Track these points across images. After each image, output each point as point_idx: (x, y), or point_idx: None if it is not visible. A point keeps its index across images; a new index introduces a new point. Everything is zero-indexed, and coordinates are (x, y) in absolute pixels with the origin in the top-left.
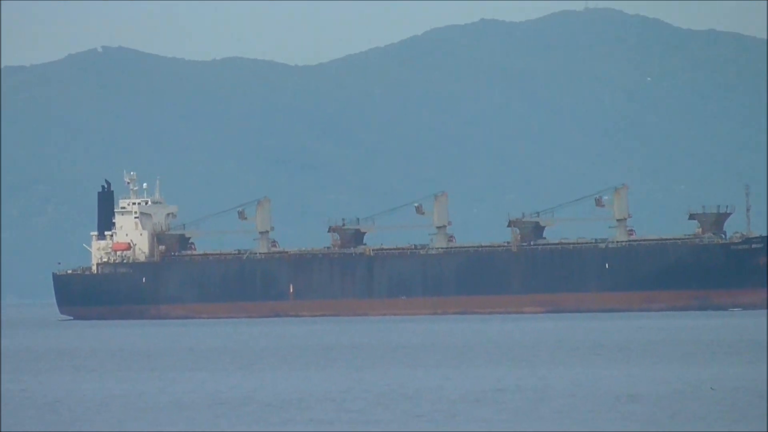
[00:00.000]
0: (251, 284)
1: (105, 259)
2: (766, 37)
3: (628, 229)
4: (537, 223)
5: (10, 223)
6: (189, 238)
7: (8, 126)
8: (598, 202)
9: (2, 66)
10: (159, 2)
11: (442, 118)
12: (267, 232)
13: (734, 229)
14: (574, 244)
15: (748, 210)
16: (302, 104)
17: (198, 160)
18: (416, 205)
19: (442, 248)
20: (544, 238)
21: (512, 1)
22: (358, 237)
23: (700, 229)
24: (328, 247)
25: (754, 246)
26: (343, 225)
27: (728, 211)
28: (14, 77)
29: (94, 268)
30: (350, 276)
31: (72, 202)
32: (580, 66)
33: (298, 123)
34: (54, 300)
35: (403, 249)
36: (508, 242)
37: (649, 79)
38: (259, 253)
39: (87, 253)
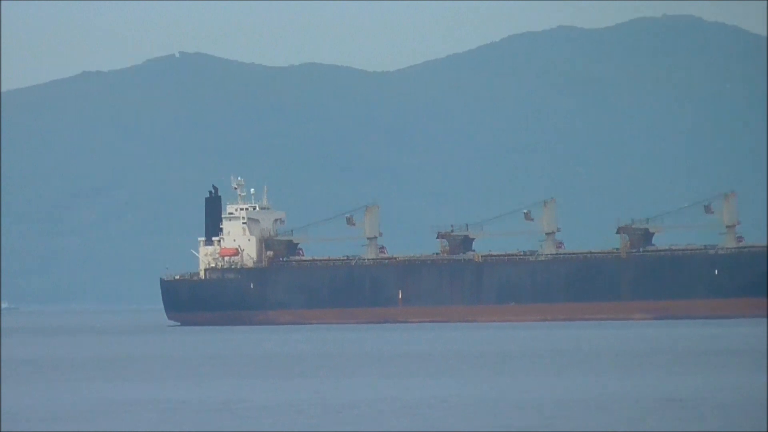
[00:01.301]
0: (360, 290)
1: (212, 265)
2: None
3: (737, 236)
4: (647, 229)
5: (88, 228)
6: (297, 243)
7: (86, 132)
8: (708, 209)
9: (79, 71)
10: (235, 6)
11: (519, 125)
12: (375, 238)
13: None
14: (682, 250)
15: None
16: (379, 111)
17: (277, 167)
18: (525, 211)
19: (551, 255)
20: (654, 245)
21: (590, 6)
22: (466, 243)
23: None
24: (436, 254)
25: None
26: (452, 231)
27: None
28: (92, 83)
29: (201, 273)
30: (459, 282)
31: (150, 208)
32: (658, 72)
33: (375, 130)
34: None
35: (511, 255)
36: (617, 249)
37: (728, 85)
38: (368, 259)
39: (190, 258)
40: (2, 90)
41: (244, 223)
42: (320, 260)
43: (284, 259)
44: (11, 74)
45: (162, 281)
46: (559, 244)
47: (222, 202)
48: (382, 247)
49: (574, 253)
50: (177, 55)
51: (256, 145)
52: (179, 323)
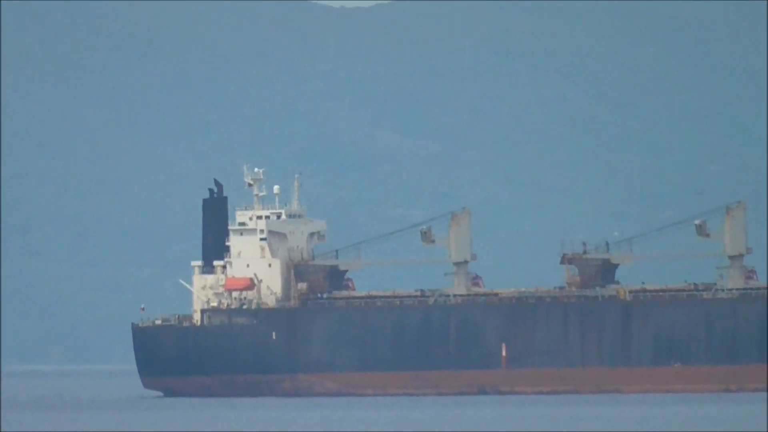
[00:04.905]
0: (442, 343)
1: (214, 303)
2: None
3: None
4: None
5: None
6: (344, 271)
7: None
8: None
9: None
10: None
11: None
12: (466, 262)
13: None
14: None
15: None
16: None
17: (306, 154)
18: (697, 222)
19: (737, 289)
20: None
21: None
22: (607, 271)
23: None
24: (560, 287)
25: None
26: (584, 253)
27: None
28: None
29: (196, 316)
30: (595, 332)
31: (104, 216)
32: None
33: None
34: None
35: (676, 290)
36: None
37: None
38: (455, 296)
39: (178, 293)
40: None
41: (263, 238)
42: (380, 297)
43: (325, 296)
44: None
45: (135, 328)
46: (750, 273)
47: (229, 207)
48: (477, 277)
49: None
50: None
51: (274, 121)
52: (161, 393)
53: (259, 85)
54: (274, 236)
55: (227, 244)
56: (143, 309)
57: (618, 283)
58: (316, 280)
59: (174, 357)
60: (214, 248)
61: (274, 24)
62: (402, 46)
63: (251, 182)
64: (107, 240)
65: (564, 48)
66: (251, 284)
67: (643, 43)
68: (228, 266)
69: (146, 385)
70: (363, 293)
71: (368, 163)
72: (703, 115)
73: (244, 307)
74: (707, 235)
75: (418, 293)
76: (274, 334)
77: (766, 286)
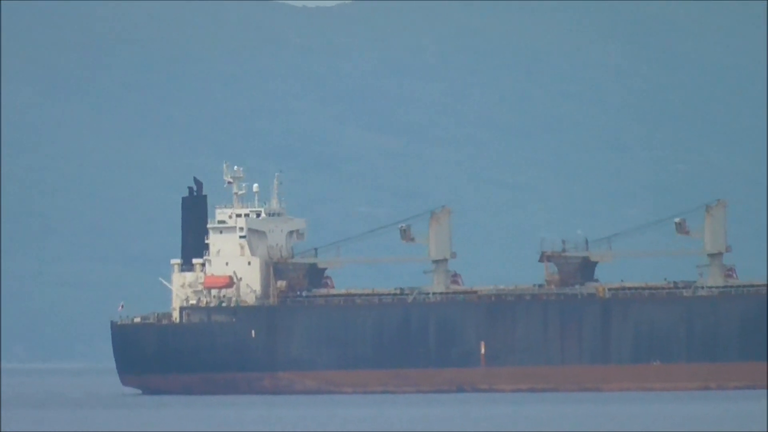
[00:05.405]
0: (421, 341)
1: (193, 301)
2: None
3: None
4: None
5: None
6: (324, 269)
7: None
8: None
9: None
10: None
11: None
12: (446, 260)
13: None
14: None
15: None
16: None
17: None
18: (677, 220)
19: (717, 287)
20: (596, 279)
21: None
22: (586, 268)
23: None
24: (539, 285)
25: None
26: (564, 251)
27: None
28: None
29: (175, 314)
30: (575, 329)
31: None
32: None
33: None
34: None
35: (656, 288)
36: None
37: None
38: (434, 294)
39: (158, 291)
40: None
41: (242, 236)
42: (359, 295)
43: (304, 294)
44: None
45: (114, 326)
46: (730, 271)
47: (208, 205)
48: (456, 275)
49: (754, 286)
50: None
51: (239, 120)
52: (139, 390)
53: (222, 84)
54: (253, 234)
55: (206, 242)
56: (122, 307)
57: (597, 281)
58: (295, 278)
59: (153, 354)
60: (194, 246)
61: (237, 23)
62: (365, 44)
63: (231, 180)
64: (72, 237)
65: (528, 46)
66: (230, 282)
67: (607, 42)
68: (207, 264)
69: (125, 383)
70: (342, 291)
71: (334, 161)
72: (669, 114)
73: (223, 305)
74: (687, 233)
75: (398, 291)
76: (253, 331)
77: (745, 284)
